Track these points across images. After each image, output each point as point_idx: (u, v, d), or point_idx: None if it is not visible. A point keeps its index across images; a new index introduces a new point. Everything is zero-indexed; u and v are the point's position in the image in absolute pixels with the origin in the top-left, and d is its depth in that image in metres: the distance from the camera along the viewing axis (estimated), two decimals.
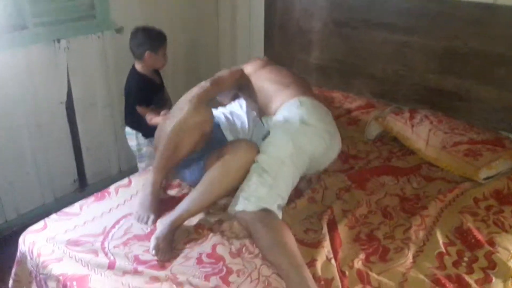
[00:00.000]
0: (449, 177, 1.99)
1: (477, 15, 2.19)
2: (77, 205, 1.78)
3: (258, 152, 1.74)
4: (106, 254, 1.51)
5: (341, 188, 1.89)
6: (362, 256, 1.51)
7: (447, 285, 1.39)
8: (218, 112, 2.09)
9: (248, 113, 2.05)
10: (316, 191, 1.85)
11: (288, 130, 1.82)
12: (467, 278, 1.42)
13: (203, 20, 3.17)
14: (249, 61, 2.35)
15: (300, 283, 1.35)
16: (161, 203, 1.76)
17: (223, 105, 2.28)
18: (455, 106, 2.35)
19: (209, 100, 1.92)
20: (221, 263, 1.49)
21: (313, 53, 2.84)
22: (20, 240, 1.58)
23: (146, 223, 1.68)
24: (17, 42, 2.20)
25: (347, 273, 1.44)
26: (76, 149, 2.61)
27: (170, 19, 2.87)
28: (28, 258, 1.53)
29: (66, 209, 1.75)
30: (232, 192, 1.72)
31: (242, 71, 2.20)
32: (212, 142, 1.88)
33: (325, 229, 1.60)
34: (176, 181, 1.94)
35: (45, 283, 1.47)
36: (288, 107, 1.94)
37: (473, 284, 1.40)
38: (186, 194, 1.84)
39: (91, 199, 1.82)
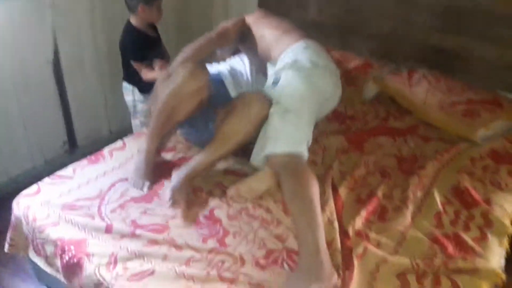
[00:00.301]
0: (446, 137, 1.98)
1: None
2: (70, 168, 1.74)
3: (270, 103, 1.68)
4: (102, 218, 1.49)
5: (339, 149, 1.88)
6: (363, 214, 1.51)
7: (445, 244, 1.40)
8: (221, 68, 2.03)
9: (250, 67, 2.00)
10: (316, 153, 1.84)
11: (300, 70, 1.77)
12: (464, 236, 1.44)
13: None
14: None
15: (312, 244, 1.33)
16: (156, 168, 1.73)
17: (223, 60, 2.22)
18: (455, 65, 2.31)
19: (212, 53, 1.89)
20: (218, 224, 1.49)
21: (310, 9, 2.74)
22: (14, 204, 1.55)
23: (142, 189, 1.65)
24: None
25: (350, 233, 1.44)
26: (65, 110, 2.54)
27: None
28: (24, 222, 1.51)
29: (59, 172, 1.71)
30: (243, 146, 1.70)
31: (244, 20, 2.11)
32: (216, 99, 1.83)
33: (328, 192, 1.60)
34: (172, 145, 1.90)
35: (43, 247, 1.45)
36: (294, 50, 1.89)
37: (470, 242, 1.42)
38: (182, 158, 1.82)
39: (84, 162, 1.78)
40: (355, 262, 1.33)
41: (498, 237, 1.45)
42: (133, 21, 2.20)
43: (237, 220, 1.51)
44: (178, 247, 1.39)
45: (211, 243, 1.41)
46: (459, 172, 1.76)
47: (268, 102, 1.68)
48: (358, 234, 1.45)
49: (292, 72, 1.77)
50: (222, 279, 1.28)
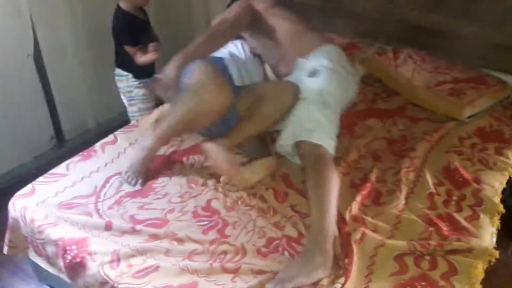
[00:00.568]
0: (433, 117, 2.02)
1: None
2: (63, 165, 1.72)
3: (299, 94, 1.71)
4: (100, 216, 1.49)
5: None
6: (358, 199, 1.55)
7: (439, 224, 1.45)
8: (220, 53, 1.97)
9: (246, 54, 2.00)
10: None
11: (336, 73, 1.81)
12: (456, 216, 1.49)
13: None
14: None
15: (323, 233, 1.36)
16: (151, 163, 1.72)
17: None
18: (437, 44, 2.34)
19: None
20: (217, 216, 1.51)
21: None
22: (10, 205, 1.53)
23: (134, 185, 1.64)
24: None
25: (347, 219, 1.48)
26: (49, 104, 2.49)
27: None
28: (21, 223, 1.50)
29: (53, 170, 1.69)
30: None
31: (252, 6, 2.00)
32: None
33: None
34: None
35: (43, 247, 1.44)
36: (328, 52, 1.88)
37: (463, 222, 1.47)
38: (174, 151, 1.81)
39: (77, 158, 1.76)
40: (354, 247, 1.37)
41: (489, 215, 1.50)
42: (123, 5, 2.19)
43: (234, 211, 1.53)
44: (179, 240, 1.40)
45: (212, 235, 1.43)
46: (448, 152, 1.80)
47: (299, 93, 1.71)
48: (355, 219, 1.48)
49: (331, 73, 1.79)
50: (225, 270, 1.31)
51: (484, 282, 1.31)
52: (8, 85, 2.25)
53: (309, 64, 1.84)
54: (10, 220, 1.54)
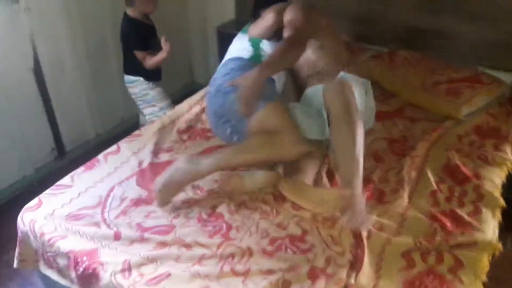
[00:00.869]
0: (431, 117, 2.06)
1: None
2: (68, 176, 1.73)
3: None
4: (108, 226, 1.50)
5: None
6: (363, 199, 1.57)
7: (443, 221, 1.48)
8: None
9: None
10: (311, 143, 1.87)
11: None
12: (459, 211, 1.52)
13: None
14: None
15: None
16: (153, 170, 1.75)
17: None
18: (432, 44, 2.38)
19: None
20: (221, 220, 1.52)
21: None
22: (19, 219, 1.53)
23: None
24: None
25: None
26: (50, 116, 2.50)
27: None
28: (31, 237, 1.50)
29: (58, 182, 1.70)
30: None
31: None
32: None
33: (325, 180, 1.65)
34: (169, 145, 1.91)
35: (55, 260, 1.45)
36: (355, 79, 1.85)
37: (466, 217, 1.50)
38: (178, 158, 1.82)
39: (81, 169, 1.77)
40: (365, 241, 1.40)
41: (491, 209, 1.53)
42: (130, 13, 2.28)
43: (238, 214, 1.55)
44: (187, 246, 1.42)
45: (218, 239, 1.44)
46: (448, 149, 1.83)
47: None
48: None
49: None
50: (235, 273, 1.32)
51: (488, 273, 1.33)
52: (9, 99, 2.26)
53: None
54: (19, 234, 1.55)
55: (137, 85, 2.39)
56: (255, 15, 2.04)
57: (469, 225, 1.46)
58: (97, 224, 1.50)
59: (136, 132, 2.02)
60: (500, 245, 1.39)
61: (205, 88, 2.35)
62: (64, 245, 1.42)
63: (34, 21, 2.27)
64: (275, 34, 1.94)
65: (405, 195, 1.59)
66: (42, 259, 1.50)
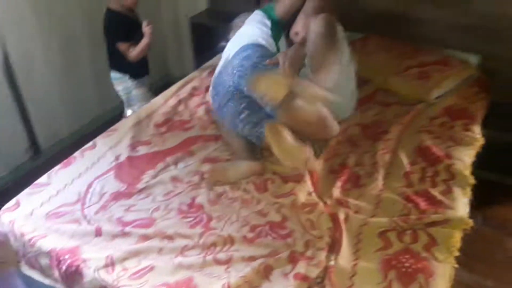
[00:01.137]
0: (403, 101, 2.11)
1: None
2: (45, 175, 1.71)
3: None
4: (89, 222, 1.50)
5: None
6: (338, 185, 1.61)
7: (417, 201, 1.53)
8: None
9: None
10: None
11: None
12: (432, 191, 1.58)
13: None
14: None
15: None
16: (131, 163, 1.75)
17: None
18: (403, 29, 2.43)
19: None
20: (201, 211, 1.54)
21: None
22: None
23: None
24: None
25: (328, 202, 1.54)
26: (23, 115, 2.45)
27: None
28: (11, 238, 1.49)
29: (36, 181, 1.68)
30: None
31: None
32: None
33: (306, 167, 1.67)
34: (147, 138, 1.91)
35: (36, 260, 1.44)
36: None
37: (438, 196, 1.55)
38: (157, 151, 1.83)
39: (57, 167, 1.76)
40: (342, 225, 1.44)
41: (461, 188, 1.60)
42: (112, 6, 2.24)
43: (218, 205, 1.57)
44: (169, 237, 1.43)
45: (199, 229, 1.46)
46: (419, 132, 1.89)
47: None
48: (338, 202, 1.55)
49: None
50: (218, 262, 1.35)
51: (461, 250, 1.39)
52: None
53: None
54: None
55: (121, 83, 2.35)
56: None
57: (442, 203, 1.52)
58: (77, 221, 1.50)
59: (112, 127, 2.00)
60: (471, 222, 1.45)
61: (181, 80, 2.35)
62: (45, 244, 1.42)
63: (2, 17, 2.22)
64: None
65: (380, 178, 1.64)
66: (24, 259, 1.49)
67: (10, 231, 1.49)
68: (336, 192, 1.59)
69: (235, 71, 1.77)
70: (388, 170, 1.69)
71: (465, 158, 1.74)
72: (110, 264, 1.34)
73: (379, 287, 1.25)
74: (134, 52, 2.26)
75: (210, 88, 2.07)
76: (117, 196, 1.61)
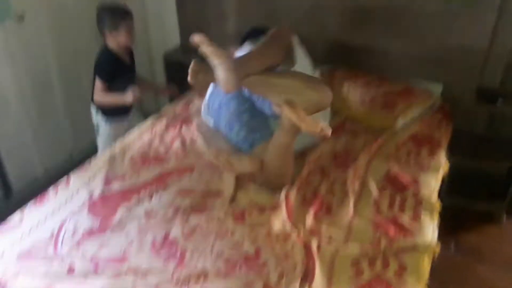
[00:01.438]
0: (371, 130, 2.19)
1: None
2: (17, 213, 1.69)
3: None
4: (62, 260, 1.48)
5: None
6: (311, 213, 1.65)
7: (386, 227, 1.58)
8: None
9: None
10: None
11: None
12: (401, 218, 1.63)
13: None
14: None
15: None
16: (104, 200, 1.75)
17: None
18: (367, 60, 2.54)
19: None
20: (175, 245, 1.54)
21: (228, 21, 2.85)
22: None
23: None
24: None
25: (301, 231, 1.57)
26: None
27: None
28: None
29: (7, 220, 1.65)
30: None
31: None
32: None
33: (282, 196, 1.72)
34: (121, 174, 1.91)
35: None
36: None
37: (407, 222, 1.60)
38: (132, 187, 1.83)
39: (30, 204, 1.74)
40: (314, 255, 1.46)
41: (429, 213, 1.65)
42: (109, 44, 2.24)
43: (193, 238, 1.57)
44: (143, 274, 1.42)
45: (172, 264, 1.46)
46: (387, 159, 1.96)
47: None
48: (311, 232, 1.57)
49: None
50: None
51: (431, 275, 1.44)
52: None
53: None
54: None
55: (94, 115, 2.36)
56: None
57: (410, 229, 1.57)
58: (50, 259, 1.48)
59: (86, 164, 2.00)
60: (438, 247, 1.50)
61: (156, 114, 2.38)
62: (17, 285, 1.39)
63: None
64: None
65: (351, 205, 1.68)
66: None
67: None
68: (309, 220, 1.62)
69: None
70: (359, 198, 1.73)
71: (431, 184, 1.81)
72: None
73: None
74: (104, 98, 2.24)
75: (209, 89, 2.12)
76: (90, 233, 1.60)
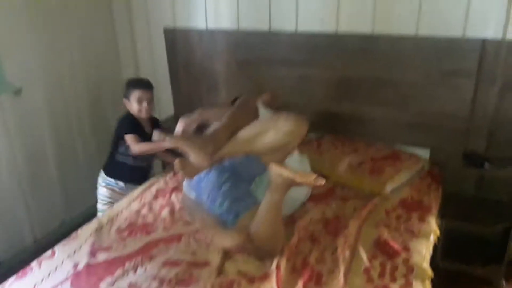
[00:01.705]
0: (360, 195, 2.19)
1: (361, 45, 2.46)
2: None
3: None
4: None
5: None
6: (300, 284, 1.60)
7: None
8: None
9: None
10: None
11: None
12: (392, 286, 1.58)
13: (106, 69, 3.12)
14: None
15: None
16: (90, 271, 1.71)
17: None
18: (353, 127, 2.61)
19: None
20: None
21: (220, 92, 2.96)
22: None
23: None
24: None
25: None
26: None
27: (71, 68, 2.82)
28: None
29: None
30: None
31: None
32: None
33: (272, 265, 1.68)
34: (106, 245, 1.88)
35: None
36: None
37: None
38: (118, 257, 1.79)
39: (12, 279, 1.69)
40: None
41: (421, 281, 1.61)
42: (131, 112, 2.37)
43: None
44: None
45: None
46: (377, 225, 1.94)
47: None
48: None
49: None
50: None
51: None
52: None
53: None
54: None
55: (107, 188, 2.42)
56: None
57: None
58: None
59: (73, 234, 1.98)
60: None
61: (145, 183, 2.39)
62: None
63: None
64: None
65: (341, 275, 1.64)
66: None
67: None
68: None
69: None
70: (349, 266, 1.69)
71: (422, 250, 1.78)
72: None
73: None
74: (140, 147, 2.27)
75: None
76: None
